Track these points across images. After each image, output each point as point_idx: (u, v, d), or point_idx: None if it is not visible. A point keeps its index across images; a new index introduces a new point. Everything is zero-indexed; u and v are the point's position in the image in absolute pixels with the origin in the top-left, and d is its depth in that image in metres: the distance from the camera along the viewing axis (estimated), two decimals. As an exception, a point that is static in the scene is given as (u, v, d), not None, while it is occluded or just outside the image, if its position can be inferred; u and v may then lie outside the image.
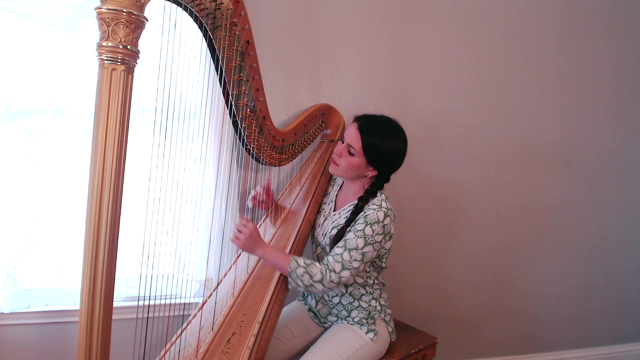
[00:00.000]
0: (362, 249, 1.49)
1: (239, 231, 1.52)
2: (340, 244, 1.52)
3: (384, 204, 1.54)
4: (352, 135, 1.55)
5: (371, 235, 1.50)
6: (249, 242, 1.52)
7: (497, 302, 2.50)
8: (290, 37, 1.96)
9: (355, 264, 1.50)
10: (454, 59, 2.20)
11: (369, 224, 1.50)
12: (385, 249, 1.60)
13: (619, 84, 2.49)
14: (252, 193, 1.79)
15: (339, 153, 1.60)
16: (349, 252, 1.49)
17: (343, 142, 1.60)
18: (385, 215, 1.52)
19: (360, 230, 1.50)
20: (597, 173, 2.54)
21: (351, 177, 1.63)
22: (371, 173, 1.59)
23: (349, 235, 1.52)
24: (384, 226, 1.52)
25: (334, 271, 1.49)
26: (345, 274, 1.49)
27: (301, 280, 1.49)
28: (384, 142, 1.54)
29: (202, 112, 1.77)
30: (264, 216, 1.83)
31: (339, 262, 1.49)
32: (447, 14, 2.16)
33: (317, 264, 1.52)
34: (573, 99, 2.43)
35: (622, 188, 2.60)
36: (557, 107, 2.41)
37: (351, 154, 1.56)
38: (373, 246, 1.51)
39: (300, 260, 1.51)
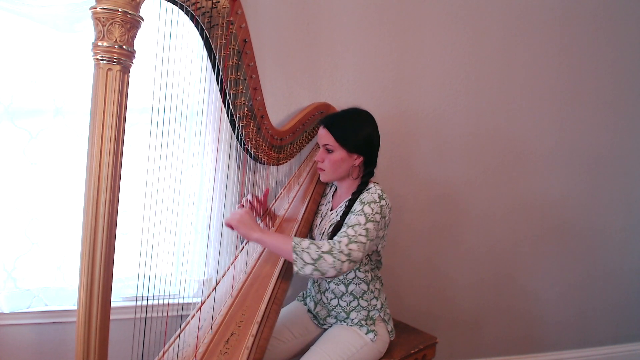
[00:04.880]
0: (364, 224, 1.47)
1: (235, 213, 1.49)
2: (343, 226, 1.51)
3: (378, 191, 1.56)
4: (323, 135, 1.60)
5: (371, 213, 1.49)
6: (244, 222, 1.47)
7: (497, 302, 2.49)
8: (290, 37, 1.96)
9: (362, 239, 1.44)
10: (454, 59, 2.20)
11: (366, 203, 1.51)
12: (379, 237, 1.59)
13: (619, 84, 2.48)
14: (247, 198, 1.74)
15: (320, 158, 1.63)
16: (352, 228, 1.46)
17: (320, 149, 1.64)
18: (381, 197, 1.53)
19: (359, 210, 1.51)
20: (597, 173, 2.53)
21: (342, 175, 1.64)
22: (357, 160, 1.61)
23: (350, 217, 1.52)
24: (381, 207, 1.52)
25: (342, 243, 1.42)
26: (353, 246, 1.42)
27: (308, 254, 1.38)
28: (352, 127, 1.58)
29: (201, 112, 1.77)
30: (259, 221, 1.82)
31: (344, 236, 1.44)
32: (447, 14, 2.16)
33: (322, 240, 1.47)
34: (573, 99, 2.42)
35: (622, 188, 2.59)
36: (557, 107, 2.40)
37: (330, 152, 1.59)
38: (374, 224, 1.49)
39: (303, 239, 1.45)
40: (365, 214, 1.49)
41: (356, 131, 1.58)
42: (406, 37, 2.12)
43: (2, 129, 1.67)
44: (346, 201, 1.63)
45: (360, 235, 1.45)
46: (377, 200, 1.52)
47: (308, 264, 1.39)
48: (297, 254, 1.40)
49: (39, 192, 1.74)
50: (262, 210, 1.77)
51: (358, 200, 1.55)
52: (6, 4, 1.55)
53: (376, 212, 1.50)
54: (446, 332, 2.39)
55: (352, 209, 1.55)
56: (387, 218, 1.57)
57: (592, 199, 2.55)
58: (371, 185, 1.61)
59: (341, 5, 2.00)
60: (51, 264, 1.79)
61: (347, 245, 1.41)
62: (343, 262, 1.39)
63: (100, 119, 0.97)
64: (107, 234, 1.02)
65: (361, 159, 1.61)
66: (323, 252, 1.39)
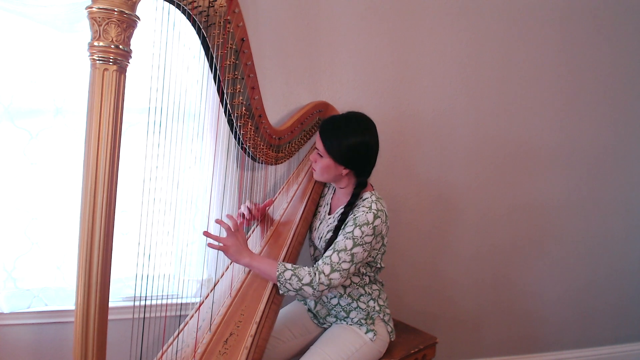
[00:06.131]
0: (350, 250, 1.47)
1: (225, 239, 1.48)
2: (331, 247, 1.51)
3: (373, 206, 1.52)
4: (317, 139, 1.60)
5: (360, 237, 1.48)
6: (234, 249, 1.46)
7: (496, 302, 2.49)
8: (290, 36, 1.95)
9: (345, 265, 1.47)
10: (454, 59, 2.19)
11: (358, 225, 1.49)
12: (375, 250, 1.59)
13: (619, 84, 2.47)
14: (242, 209, 1.73)
15: (313, 159, 1.63)
16: (337, 254, 1.47)
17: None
18: (375, 217, 1.50)
19: (349, 232, 1.49)
20: (597, 173, 2.52)
21: (330, 179, 1.64)
22: (344, 171, 1.58)
23: (339, 238, 1.51)
24: (374, 227, 1.50)
25: (323, 273, 1.45)
26: (335, 276, 1.46)
27: (290, 284, 1.45)
28: (341, 138, 1.53)
29: (200, 112, 1.77)
30: (256, 225, 1.81)
31: (327, 264, 1.47)
32: (447, 14, 2.15)
33: (305, 267, 1.49)
34: (573, 99, 2.41)
35: (622, 188, 2.58)
36: (557, 107, 2.39)
37: (321, 156, 1.58)
38: (363, 247, 1.48)
39: (288, 265, 1.48)
40: (354, 238, 1.48)
41: (341, 142, 1.53)
42: (406, 37, 2.11)
43: (2, 129, 1.67)
44: (342, 208, 1.62)
45: (344, 262, 1.47)
46: (371, 221, 1.49)
47: (290, 291, 1.47)
48: (280, 283, 1.46)
49: (39, 192, 1.74)
50: (259, 217, 1.76)
51: (352, 216, 1.53)
52: (6, 4, 1.56)
53: (366, 235, 1.48)
54: (446, 332, 2.38)
55: (345, 224, 1.53)
56: (383, 232, 1.55)
57: (593, 199, 2.54)
58: (367, 194, 1.58)
59: (341, 5, 2.00)
60: (51, 264, 1.79)
61: (328, 275, 1.46)
62: (322, 291, 1.46)
63: (97, 119, 0.97)
64: (105, 234, 1.02)
65: (347, 170, 1.58)
66: (303, 285, 1.45)
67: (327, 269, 1.46)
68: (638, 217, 2.64)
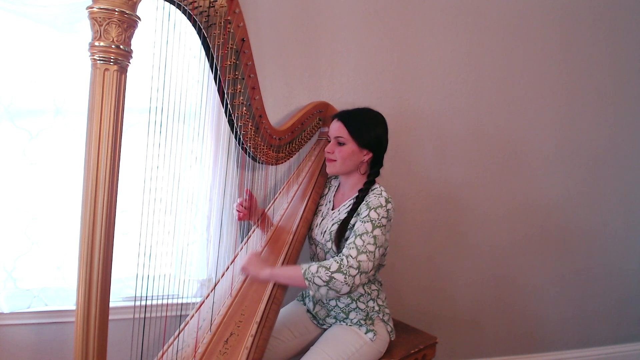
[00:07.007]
0: (372, 232, 1.48)
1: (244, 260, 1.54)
2: (350, 236, 1.51)
3: (384, 193, 1.57)
4: (337, 128, 1.62)
5: (377, 219, 1.50)
6: (252, 264, 1.51)
7: (497, 302, 2.49)
8: (290, 36, 1.96)
9: (370, 248, 1.46)
10: (454, 59, 2.20)
11: (373, 208, 1.51)
12: (387, 240, 1.59)
13: (619, 84, 2.48)
14: (238, 201, 1.75)
15: (330, 150, 1.64)
16: (360, 238, 1.47)
17: (330, 142, 1.66)
18: (387, 201, 1.54)
19: (365, 216, 1.51)
20: (597, 173, 2.53)
21: (350, 168, 1.65)
22: (367, 156, 1.63)
23: (357, 225, 1.52)
24: (387, 210, 1.53)
25: (351, 256, 1.44)
26: (363, 258, 1.44)
27: (319, 277, 1.41)
28: (366, 123, 1.61)
29: (201, 112, 1.77)
30: (255, 227, 1.80)
31: (352, 248, 1.46)
32: (447, 14, 2.15)
33: (329, 259, 1.49)
34: (573, 99, 2.42)
35: (622, 188, 2.59)
36: (557, 107, 2.40)
37: (341, 144, 1.61)
38: (381, 229, 1.49)
39: (311, 263, 1.49)
40: (371, 220, 1.49)
41: (369, 128, 1.61)
42: (406, 37, 2.12)
43: (2, 129, 1.67)
44: (353, 198, 1.64)
45: (368, 244, 1.46)
46: (384, 204, 1.52)
47: (322, 286, 1.42)
48: (308, 280, 1.43)
49: (39, 192, 1.74)
50: (253, 208, 1.76)
51: (364, 203, 1.55)
52: (6, 4, 1.56)
53: (382, 217, 1.51)
54: (446, 332, 2.38)
55: (358, 211, 1.55)
56: (392, 221, 1.58)
57: (592, 198, 2.54)
58: (376, 185, 1.62)
59: (341, 5, 2.00)
60: (51, 264, 1.79)
61: (355, 257, 1.44)
62: (354, 276, 1.42)
63: (98, 119, 0.97)
64: (105, 234, 1.02)
65: (370, 155, 1.63)
66: (333, 273, 1.42)
67: (353, 252, 1.45)
68: (638, 217, 2.64)
